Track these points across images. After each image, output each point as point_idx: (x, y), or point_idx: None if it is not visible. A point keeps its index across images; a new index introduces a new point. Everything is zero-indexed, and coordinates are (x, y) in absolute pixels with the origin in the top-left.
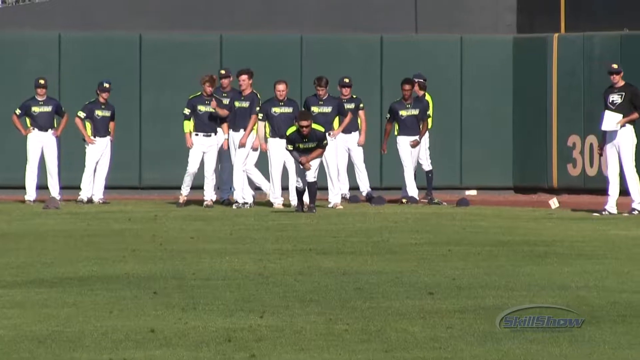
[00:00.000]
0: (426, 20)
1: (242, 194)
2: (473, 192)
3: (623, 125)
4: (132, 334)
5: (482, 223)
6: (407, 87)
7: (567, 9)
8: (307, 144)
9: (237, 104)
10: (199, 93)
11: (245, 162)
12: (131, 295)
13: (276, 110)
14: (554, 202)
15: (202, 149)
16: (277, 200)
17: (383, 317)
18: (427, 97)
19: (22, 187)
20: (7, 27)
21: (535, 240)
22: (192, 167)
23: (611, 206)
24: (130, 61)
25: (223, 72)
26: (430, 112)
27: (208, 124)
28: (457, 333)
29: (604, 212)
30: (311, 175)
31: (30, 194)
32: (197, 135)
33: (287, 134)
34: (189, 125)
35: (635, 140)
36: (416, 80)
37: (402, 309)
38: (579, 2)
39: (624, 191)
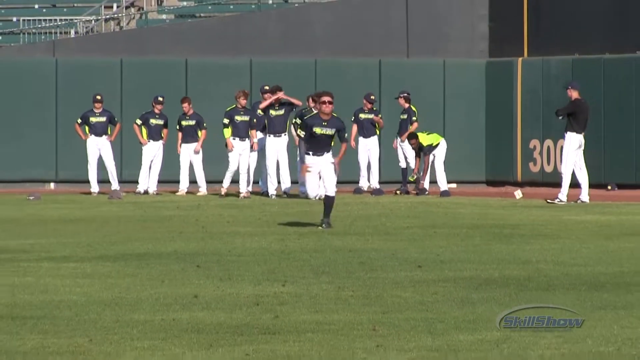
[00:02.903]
0: (416, 47)
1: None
2: (453, 185)
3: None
4: (179, 299)
5: (461, 210)
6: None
7: (529, 37)
8: (325, 130)
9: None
10: (234, 105)
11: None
12: (179, 268)
13: (273, 112)
14: (518, 193)
15: (239, 151)
16: (271, 191)
17: (381, 285)
18: (412, 107)
19: (86, 182)
20: (78, 54)
21: (503, 223)
22: (233, 165)
23: (563, 196)
24: (178, 80)
25: (267, 87)
26: (415, 117)
27: (243, 130)
28: (441, 298)
29: (557, 200)
30: (332, 189)
31: (94, 187)
32: (234, 139)
33: (305, 118)
34: (228, 132)
35: (577, 144)
36: (401, 95)
37: (396, 279)
38: (538, 32)
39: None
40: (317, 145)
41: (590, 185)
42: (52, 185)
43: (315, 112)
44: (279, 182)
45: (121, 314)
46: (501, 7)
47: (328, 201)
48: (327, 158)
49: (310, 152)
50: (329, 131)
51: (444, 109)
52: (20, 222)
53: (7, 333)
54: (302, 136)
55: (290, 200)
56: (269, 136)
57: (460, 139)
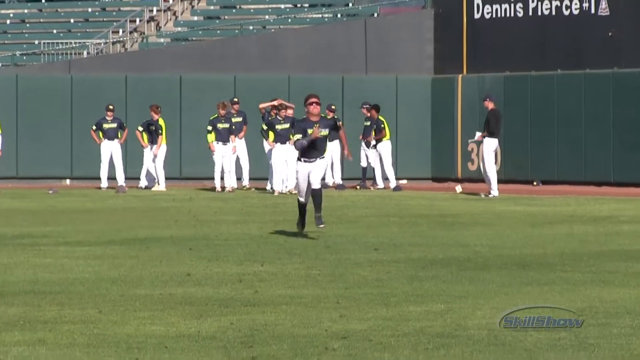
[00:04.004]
0: (372, 66)
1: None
2: (404, 181)
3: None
4: (174, 277)
5: (410, 202)
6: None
7: (468, 57)
8: (319, 130)
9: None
10: (216, 115)
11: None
12: (174, 251)
13: (279, 127)
14: (458, 188)
15: (222, 153)
16: (277, 188)
17: (344, 265)
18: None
19: (97, 178)
20: (90, 71)
21: (446, 213)
22: (217, 166)
23: (495, 191)
24: (174, 93)
25: (236, 99)
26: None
27: (224, 136)
28: (394, 276)
29: (490, 195)
30: (317, 183)
31: (104, 183)
32: (217, 143)
33: (296, 122)
34: (211, 137)
35: (493, 147)
36: (364, 105)
37: (357, 260)
38: (475, 53)
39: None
40: (311, 149)
41: (519, 182)
42: (67, 181)
43: (305, 116)
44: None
45: (126, 289)
46: (444, 32)
47: (314, 193)
48: (319, 163)
49: (303, 159)
50: (323, 132)
51: (397, 117)
52: (41, 212)
53: (30, 305)
54: (298, 139)
55: (269, 195)
56: (277, 144)
57: (410, 142)
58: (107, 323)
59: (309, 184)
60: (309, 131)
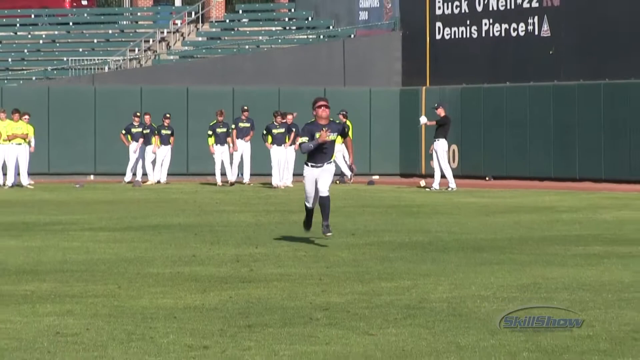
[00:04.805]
0: (350, 79)
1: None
2: (376, 177)
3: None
4: (182, 258)
5: (382, 194)
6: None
7: (430, 72)
8: (328, 134)
9: (241, 124)
10: (215, 121)
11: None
12: (182, 236)
13: (275, 131)
14: (422, 182)
15: (220, 153)
16: (275, 182)
17: (325, 248)
18: (348, 122)
19: (117, 174)
20: (110, 84)
21: (411, 204)
22: (217, 164)
23: (452, 184)
24: (181, 103)
25: (245, 107)
26: (350, 132)
27: (222, 139)
28: (368, 257)
29: (450, 189)
30: (325, 190)
31: (128, 177)
32: (217, 145)
33: (305, 125)
34: (212, 140)
35: (446, 147)
36: (341, 112)
37: (336, 243)
38: (437, 68)
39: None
40: (318, 154)
41: (474, 177)
42: (91, 176)
43: (312, 119)
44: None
45: (141, 268)
46: (410, 51)
47: (322, 201)
48: (326, 168)
49: (310, 164)
50: (331, 136)
51: (370, 123)
52: (69, 203)
53: (60, 282)
54: (304, 142)
55: (265, 188)
56: (274, 145)
57: (382, 144)
58: (125, 297)
59: (316, 189)
60: (317, 135)
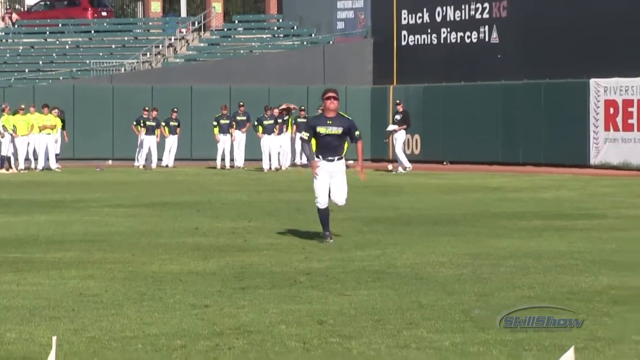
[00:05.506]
0: (329, 79)
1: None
2: (351, 162)
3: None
4: (187, 230)
5: (356, 177)
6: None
7: (397, 73)
8: (331, 129)
9: (238, 118)
10: (220, 114)
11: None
12: (187, 212)
13: (265, 122)
14: (389, 166)
15: (223, 141)
16: (265, 167)
17: (308, 222)
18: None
19: (132, 159)
20: (126, 83)
21: (381, 185)
22: (220, 151)
23: (407, 164)
24: (186, 100)
25: (241, 103)
26: None
27: (225, 129)
28: (345, 230)
29: (398, 171)
30: (343, 200)
31: (140, 163)
32: (220, 135)
33: (309, 119)
34: (216, 130)
35: (405, 137)
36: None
37: (317, 217)
38: (403, 69)
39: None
40: (324, 148)
41: (433, 162)
42: (110, 161)
43: (320, 112)
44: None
45: (151, 239)
46: (380, 55)
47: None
48: (338, 165)
49: (320, 156)
50: (335, 130)
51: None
52: (90, 183)
53: (82, 250)
54: (306, 138)
55: (256, 171)
56: (264, 135)
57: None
58: (138, 263)
59: (329, 189)
60: (319, 129)
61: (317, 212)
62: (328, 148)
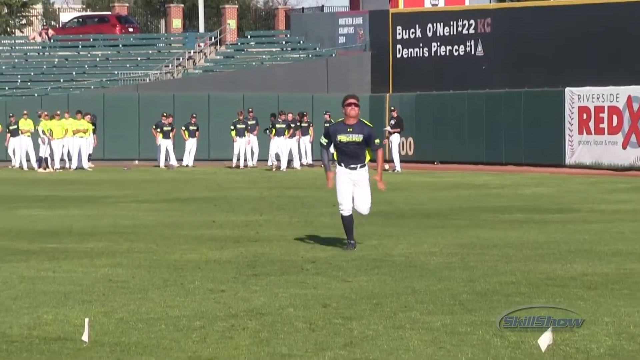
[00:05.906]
0: (332, 87)
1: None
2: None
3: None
4: (205, 223)
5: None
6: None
7: (393, 82)
8: (351, 136)
9: (250, 122)
10: (237, 119)
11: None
12: (206, 206)
13: (277, 126)
14: (386, 166)
15: (239, 143)
16: (275, 164)
17: (313, 215)
18: (332, 121)
19: (154, 160)
20: (150, 91)
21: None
22: (235, 152)
23: (398, 167)
24: (204, 107)
25: (250, 109)
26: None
27: (242, 132)
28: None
29: (395, 170)
30: (367, 209)
31: (161, 164)
32: (237, 137)
33: (329, 126)
34: (234, 133)
35: (399, 140)
36: (327, 113)
37: (321, 212)
38: (398, 79)
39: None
40: (346, 155)
41: (425, 162)
42: (136, 162)
43: (340, 119)
44: (278, 161)
45: (173, 231)
46: (377, 66)
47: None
48: (361, 173)
49: (342, 164)
50: (356, 137)
51: None
52: (119, 181)
53: (111, 241)
54: (324, 144)
55: (267, 171)
56: (275, 137)
57: None
58: (161, 252)
59: (353, 197)
60: (339, 137)
61: (341, 220)
62: (350, 155)
